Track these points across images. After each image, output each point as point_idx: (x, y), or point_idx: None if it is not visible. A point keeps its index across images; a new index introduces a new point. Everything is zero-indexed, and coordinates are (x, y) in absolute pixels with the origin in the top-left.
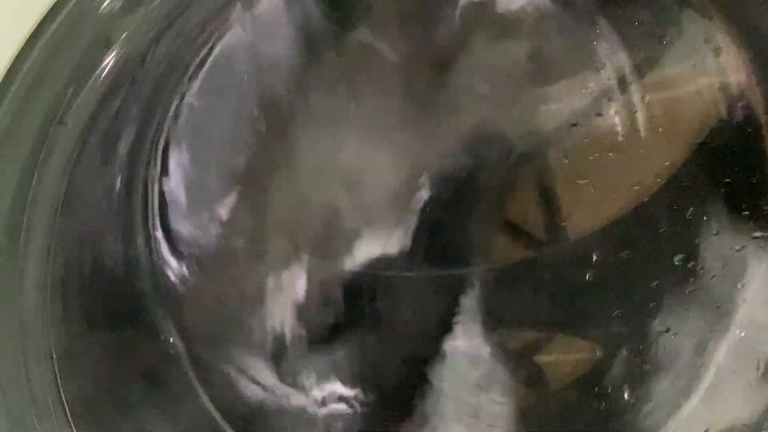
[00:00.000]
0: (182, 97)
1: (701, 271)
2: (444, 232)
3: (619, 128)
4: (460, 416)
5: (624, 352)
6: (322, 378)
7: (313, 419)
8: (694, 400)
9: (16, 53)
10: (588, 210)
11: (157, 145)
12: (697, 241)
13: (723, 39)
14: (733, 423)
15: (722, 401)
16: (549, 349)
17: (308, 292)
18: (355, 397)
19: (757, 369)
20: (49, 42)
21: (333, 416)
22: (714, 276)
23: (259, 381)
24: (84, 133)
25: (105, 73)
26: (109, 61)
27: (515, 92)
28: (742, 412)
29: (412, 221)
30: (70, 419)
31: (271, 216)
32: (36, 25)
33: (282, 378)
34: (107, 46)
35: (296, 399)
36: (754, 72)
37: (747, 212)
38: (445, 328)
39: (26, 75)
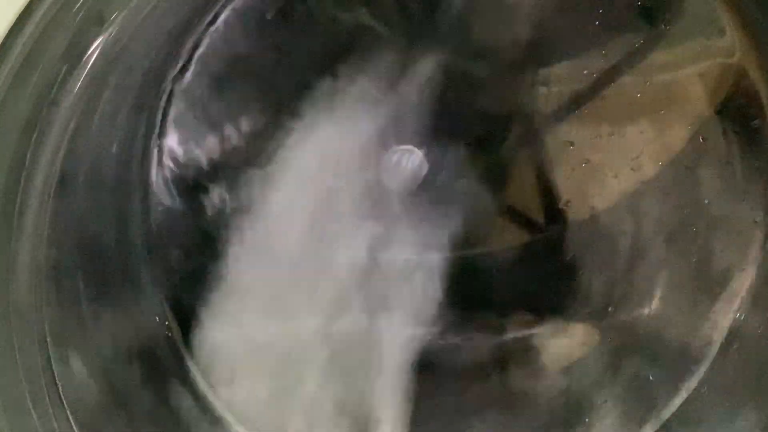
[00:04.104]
0: (179, 76)
1: (702, 254)
2: (443, 214)
3: (620, 110)
4: None
5: (624, 337)
6: None
7: None
8: (694, 383)
9: (6, 32)
10: (589, 193)
11: (154, 123)
12: (697, 224)
13: (726, 19)
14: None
15: (723, 384)
16: (547, 332)
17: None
18: None
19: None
20: (40, 20)
21: None
22: (714, 258)
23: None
24: (77, 114)
25: (99, 51)
26: (103, 39)
27: (516, 74)
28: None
29: (410, 204)
30: (64, 402)
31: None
32: (27, 2)
33: None
34: (100, 23)
35: None
36: (757, 52)
37: (748, 195)
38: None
39: (18, 54)
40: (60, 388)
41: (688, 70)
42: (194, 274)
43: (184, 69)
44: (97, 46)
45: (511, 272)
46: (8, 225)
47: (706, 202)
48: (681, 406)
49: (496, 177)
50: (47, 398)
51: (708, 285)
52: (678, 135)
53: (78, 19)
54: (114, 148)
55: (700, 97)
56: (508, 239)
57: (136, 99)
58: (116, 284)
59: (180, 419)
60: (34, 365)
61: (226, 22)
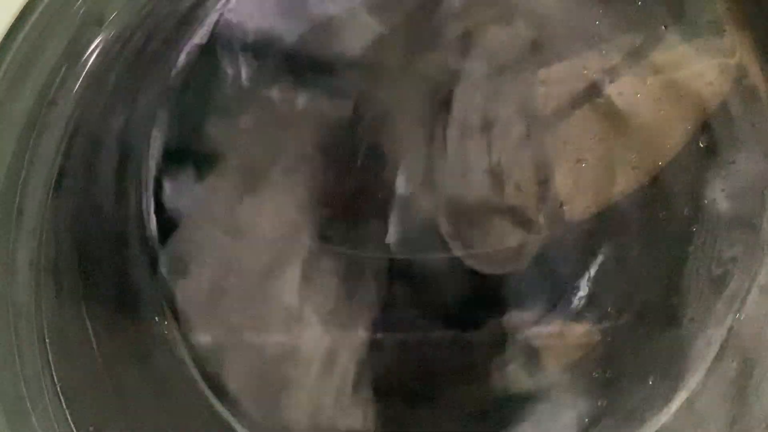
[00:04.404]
0: (176, 75)
1: (701, 254)
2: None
3: (620, 110)
4: None
5: (623, 337)
6: None
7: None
8: (693, 383)
9: (5, 32)
10: (587, 192)
11: (153, 122)
12: (698, 225)
13: (726, 19)
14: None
15: (722, 384)
16: (546, 333)
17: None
18: None
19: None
20: (39, 20)
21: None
22: (714, 259)
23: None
24: (76, 113)
25: (98, 51)
26: (102, 39)
27: (516, 74)
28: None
29: (411, 204)
30: (63, 402)
31: (271, 196)
32: (26, 3)
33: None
34: (100, 23)
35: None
36: (757, 52)
37: (748, 196)
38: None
39: (17, 54)
40: (59, 388)
41: (688, 70)
42: (193, 273)
43: (184, 67)
44: (97, 46)
45: (510, 272)
46: (7, 224)
47: (706, 202)
48: (680, 406)
49: (495, 176)
50: (47, 398)
51: (708, 285)
52: (677, 135)
53: (78, 18)
54: (112, 148)
55: (700, 97)
56: (506, 239)
57: (135, 98)
58: (115, 284)
59: (181, 419)
60: (34, 365)
61: (227, 21)
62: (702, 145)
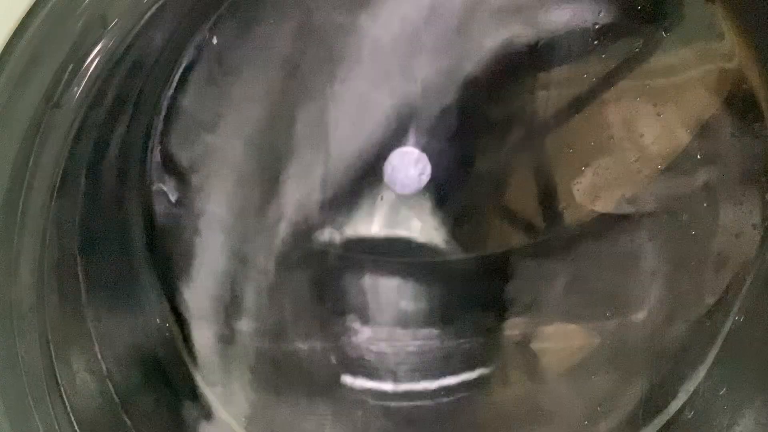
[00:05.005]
0: (182, 78)
1: (700, 257)
2: (443, 218)
3: (619, 114)
4: None
5: (623, 340)
6: None
7: None
8: (693, 385)
9: (10, 34)
10: (588, 196)
11: (155, 125)
12: (696, 228)
13: (725, 24)
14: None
15: (722, 387)
16: (546, 336)
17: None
18: None
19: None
20: (43, 23)
21: None
22: (713, 261)
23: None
24: (80, 116)
25: (102, 54)
26: (106, 41)
27: (515, 77)
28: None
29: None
30: (65, 402)
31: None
32: (31, 5)
33: None
34: (103, 25)
35: None
36: (756, 57)
37: (746, 198)
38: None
39: (21, 56)
40: (62, 389)
41: (687, 74)
42: (195, 275)
43: (187, 71)
44: (101, 49)
45: (511, 275)
46: (11, 226)
47: (705, 205)
48: (680, 408)
49: (496, 180)
50: (48, 399)
51: (707, 288)
52: (677, 139)
53: (81, 21)
54: (116, 150)
55: (699, 101)
56: (507, 242)
57: (138, 100)
58: (117, 285)
59: (181, 420)
60: (36, 366)
61: (228, 24)
62: (700, 148)
